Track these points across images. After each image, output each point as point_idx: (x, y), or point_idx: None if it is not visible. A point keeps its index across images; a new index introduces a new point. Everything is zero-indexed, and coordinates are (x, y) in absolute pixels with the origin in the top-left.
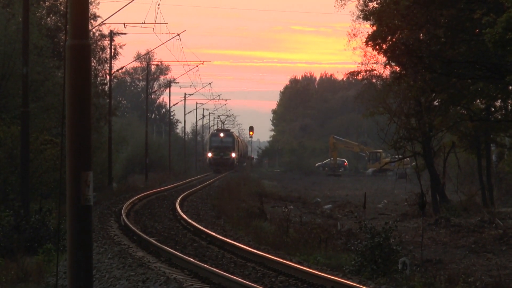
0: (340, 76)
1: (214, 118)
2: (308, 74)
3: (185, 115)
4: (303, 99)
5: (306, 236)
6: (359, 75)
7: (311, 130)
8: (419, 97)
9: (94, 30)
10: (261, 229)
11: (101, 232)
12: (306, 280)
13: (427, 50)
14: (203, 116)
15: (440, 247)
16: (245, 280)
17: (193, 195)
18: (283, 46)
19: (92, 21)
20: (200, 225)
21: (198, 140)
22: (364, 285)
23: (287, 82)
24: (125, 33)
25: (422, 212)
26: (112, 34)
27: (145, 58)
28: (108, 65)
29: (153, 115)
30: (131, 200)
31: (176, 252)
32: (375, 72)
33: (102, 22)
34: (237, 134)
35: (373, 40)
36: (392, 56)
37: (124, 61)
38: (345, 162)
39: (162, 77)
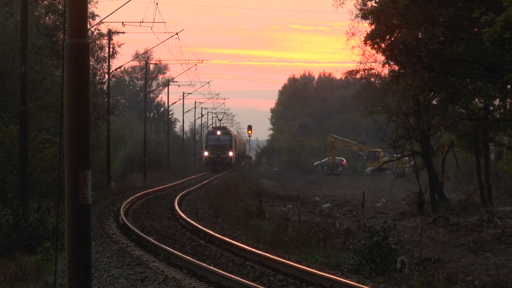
0: (338, 75)
1: (211, 116)
2: (307, 73)
3: (183, 114)
4: (302, 98)
5: (304, 235)
6: (358, 74)
7: (310, 129)
8: (417, 96)
9: (92, 29)
10: (259, 228)
11: (100, 231)
12: (305, 279)
13: (426, 49)
14: (202, 115)
15: (439, 246)
16: (243, 279)
17: (192, 194)
18: (282, 45)
19: (90, 20)
20: (199, 224)
21: (197, 139)
22: (362, 284)
23: (285, 81)
24: (123, 32)
25: (421, 211)
26: (110, 33)
27: (144, 57)
28: (107, 64)
29: (152, 114)
30: (129, 199)
31: (175, 251)
32: (374, 71)
33: (100, 21)
34: (235, 133)
35: (372, 39)
36: (390, 55)
37: (123, 60)
38: (344, 161)
39: (160, 76)
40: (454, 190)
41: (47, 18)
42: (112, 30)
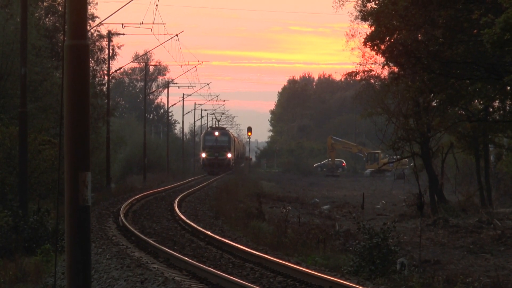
0: (338, 77)
1: (208, 115)
2: (306, 75)
3: (183, 115)
4: (301, 99)
5: (304, 236)
6: (357, 75)
7: (309, 131)
8: (417, 97)
9: (92, 30)
10: (259, 229)
11: (99, 233)
12: (304, 280)
13: (425, 51)
14: (202, 117)
15: (438, 248)
16: (243, 281)
17: (191, 195)
18: (282, 47)
19: (90, 21)
20: (199, 226)
21: (196, 140)
22: (362, 285)
23: (285, 83)
24: (123, 34)
25: (420, 213)
26: (110, 35)
27: (143, 58)
28: (106, 65)
29: (151, 115)
30: (129, 201)
31: (175, 253)
32: (373, 72)
33: (100, 22)
34: (235, 135)
35: (371, 40)
36: (390, 56)
37: (122, 61)
38: (343, 162)
39: (160, 78)
40: (453, 192)
41: (47, 19)
42: (112, 32)
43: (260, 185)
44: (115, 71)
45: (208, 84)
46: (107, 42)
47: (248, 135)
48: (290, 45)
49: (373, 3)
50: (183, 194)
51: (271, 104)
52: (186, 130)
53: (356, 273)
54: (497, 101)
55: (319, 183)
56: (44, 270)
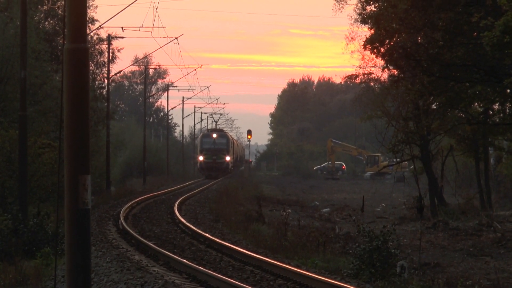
0: (338, 80)
1: (208, 118)
2: (306, 78)
3: (183, 118)
4: (301, 102)
5: (304, 239)
6: (357, 78)
7: (309, 134)
8: (417, 100)
9: (92, 34)
10: (259, 232)
11: (99, 236)
12: (304, 283)
13: (425, 54)
14: (201, 120)
15: (438, 251)
16: (243, 284)
17: (191, 198)
18: (281, 50)
19: (90, 25)
20: (198, 229)
21: (196, 144)
22: None
23: (285, 86)
24: (123, 37)
25: (420, 216)
26: (110, 38)
27: (143, 62)
28: (106, 69)
29: (151, 118)
30: (129, 204)
31: (174, 256)
32: (373, 75)
33: (100, 26)
34: (235, 138)
35: (371, 43)
36: (390, 59)
37: (122, 65)
38: (343, 165)
39: (160, 81)
40: (453, 195)
41: (46, 23)
42: (112, 35)
43: (260, 188)
44: (115, 74)
45: (207, 87)
46: (106, 46)
47: (248, 138)
48: (289, 48)
49: (373, 6)
50: (183, 197)
51: (271, 107)
52: (186, 133)
53: (356, 276)
54: (497, 104)
55: (319, 186)
56: (44, 273)
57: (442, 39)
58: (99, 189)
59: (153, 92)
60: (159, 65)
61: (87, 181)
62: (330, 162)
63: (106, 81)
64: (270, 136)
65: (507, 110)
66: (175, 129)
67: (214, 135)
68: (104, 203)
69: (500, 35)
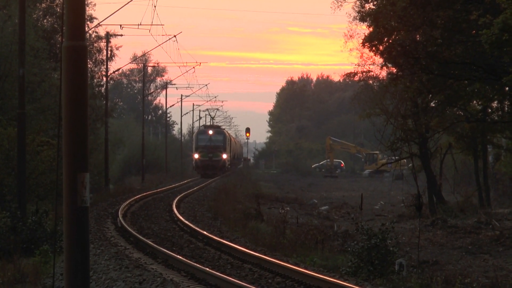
0: (336, 78)
1: (203, 113)
2: (305, 75)
3: (181, 116)
4: (300, 100)
5: (302, 237)
6: (356, 76)
7: (308, 131)
8: (415, 98)
9: (90, 31)
10: (257, 230)
11: (98, 234)
12: (303, 281)
13: (424, 51)
14: (200, 118)
15: (437, 248)
16: (241, 282)
17: (190, 196)
18: (280, 48)
19: (88, 22)
20: (197, 227)
21: (192, 141)
22: (360, 286)
23: (283, 84)
24: (121, 35)
25: (419, 213)
26: (108, 36)
27: (142, 59)
28: (105, 66)
29: (150, 116)
30: (127, 202)
31: (173, 254)
32: (372, 73)
33: (98, 23)
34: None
35: (370, 41)
36: (388, 57)
37: (121, 62)
38: (342, 163)
39: (158, 79)
40: (452, 192)
41: (45, 20)
42: (110, 33)
43: (258, 186)
44: (114, 72)
45: (206, 85)
46: (105, 43)
47: (246, 136)
48: (288, 46)
49: (371, 3)
50: (181, 195)
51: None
52: (185, 131)
53: (354, 274)
54: (496, 102)
55: (317, 183)
56: (42, 271)
57: (440, 37)
58: (98, 187)
59: (152, 90)
60: (157, 63)
61: (85, 179)
62: (328, 160)
63: (104, 79)
64: (269, 134)
65: (506, 108)
66: (174, 127)
67: (210, 132)
68: (102, 200)
69: (499, 33)
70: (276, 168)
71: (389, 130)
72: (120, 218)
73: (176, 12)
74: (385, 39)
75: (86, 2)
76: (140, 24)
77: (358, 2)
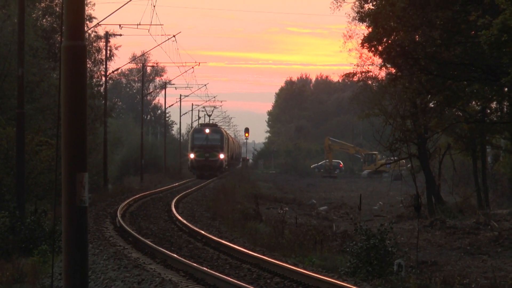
0: (335, 78)
1: (205, 115)
2: (304, 76)
3: (180, 116)
4: (299, 100)
5: (301, 237)
6: (355, 76)
7: (307, 132)
8: (414, 98)
9: (89, 31)
10: (256, 230)
11: (97, 233)
12: (302, 281)
13: (423, 52)
14: (199, 118)
15: (436, 249)
16: (240, 282)
17: (188, 196)
18: (279, 48)
19: (87, 22)
20: (196, 227)
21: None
22: (359, 287)
23: (282, 84)
24: (120, 35)
25: (418, 214)
26: (107, 36)
27: (141, 59)
28: (104, 66)
29: (149, 116)
30: (126, 202)
31: (172, 254)
32: (371, 73)
33: (97, 23)
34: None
35: (369, 41)
36: (387, 57)
37: (120, 62)
38: (341, 163)
39: (157, 79)
40: (451, 193)
41: (44, 20)
42: (109, 33)
43: (257, 186)
44: (113, 72)
45: (205, 85)
46: (104, 43)
47: (245, 136)
48: (287, 46)
49: (371, 4)
50: (180, 195)
51: (269, 105)
52: (184, 131)
53: (353, 274)
54: (495, 103)
55: (316, 184)
56: (41, 270)
57: (440, 38)
58: (97, 187)
59: (151, 90)
60: (156, 63)
61: (84, 179)
62: (327, 160)
63: (103, 78)
64: (268, 134)
65: (505, 109)
66: (173, 127)
67: (207, 131)
68: (101, 200)
69: (498, 33)
70: (275, 168)
71: (388, 131)
72: (119, 218)
73: (175, 12)
74: (384, 39)
75: (85, 2)
76: (139, 24)
77: (357, 3)
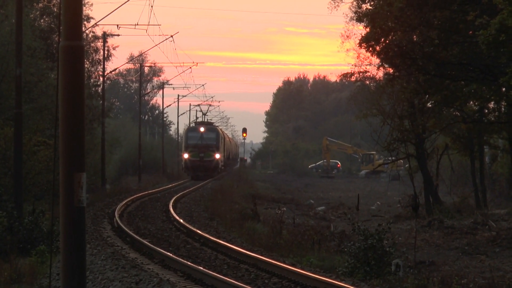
0: (333, 78)
1: (202, 114)
2: (302, 76)
3: (178, 116)
4: (296, 100)
5: (299, 237)
6: (353, 76)
7: (304, 132)
8: (412, 98)
9: (87, 31)
10: (254, 230)
11: (94, 234)
12: (299, 281)
13: (421, 52)
14: (196, 118)
15: (433, 249)
16: (238, 282)
17: (186, 196)
18: (277, 48)
19: (85, 22)
20: (193, 227)
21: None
22: (357, 287)
23: (280, 84)
24: (118, 35)
25: (415, 214)
26: (105, 36)
27: (139, 59)
28: (102, 66)
29: (146, 116)
30: (124, 202)
31: (169, 254)
32: (369, 73)
33: (95, 23)
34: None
35: (367, 41)
36: (385, 57)
37: (118, 62)
38: (338, 164)
39: (155, 79)
40: (448, 193)
41: (42, 20)
42: (107, 33)
43: (255, 186)
44: (110, 72)
45: (203, 85)
46: (102, 43)
47: (243, 136)
48: (285, 46)
49: (368, 4)
50: (178, 195)
51: (266, 105)
52: (181, 131)
53: (351, 274)
54: (492, 102)
55: (314, 184)
56: (39, 271)
57: (437, 38)
58: (94, 187)
59: (149, 90)
60: (154, 63)
61: (82, 179)
62: (325, 160)
63: (101, 78)
64: (266, 134)
65: (503, 109)
66: (171, 127)
67: (202, 129)
68: (99, 201)
69: (496, 33)
70: (272, 169)
71: (386, 131)
72: (117, 218)
73: (173, 12)
74: (382, 39)
75: (83, 2)
76: (137, 24)
77: (355, 3)
